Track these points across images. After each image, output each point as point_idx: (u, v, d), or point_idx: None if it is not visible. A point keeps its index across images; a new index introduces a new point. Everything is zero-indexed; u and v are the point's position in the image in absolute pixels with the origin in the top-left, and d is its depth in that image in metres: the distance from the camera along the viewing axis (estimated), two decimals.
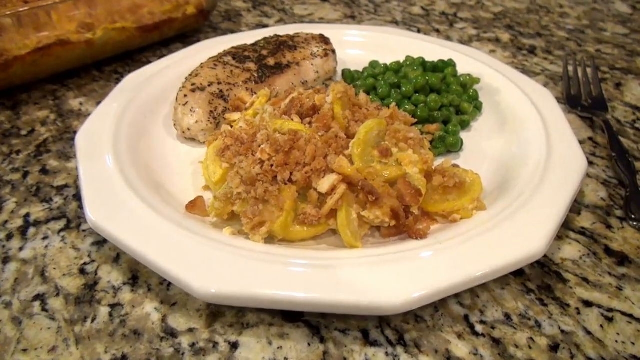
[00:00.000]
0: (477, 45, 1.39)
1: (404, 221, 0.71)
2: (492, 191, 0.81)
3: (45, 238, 0.80)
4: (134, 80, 1.03)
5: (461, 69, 1.08)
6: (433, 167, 0.79)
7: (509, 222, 0.70)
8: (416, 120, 0.87)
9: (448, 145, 0.89)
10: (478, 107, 0.99)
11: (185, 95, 0.93)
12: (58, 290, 0.72)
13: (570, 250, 0.77)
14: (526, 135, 0.89)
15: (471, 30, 1.47)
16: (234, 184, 0.73)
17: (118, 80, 1.22)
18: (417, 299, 0.60)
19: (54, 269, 0.75)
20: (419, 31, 1.46)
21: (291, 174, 0.73)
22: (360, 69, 1.12)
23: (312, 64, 1.03)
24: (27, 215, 0.85)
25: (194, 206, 0.76)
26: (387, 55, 1.15)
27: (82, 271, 0.75)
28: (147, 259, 0.66)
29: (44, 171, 0.94)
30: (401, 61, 1.08)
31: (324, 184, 0.71)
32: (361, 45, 1.21)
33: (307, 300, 0.60)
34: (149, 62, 1.30)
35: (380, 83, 0.98)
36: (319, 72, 1.03)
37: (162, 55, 1.32)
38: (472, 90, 1.01)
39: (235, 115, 0.90)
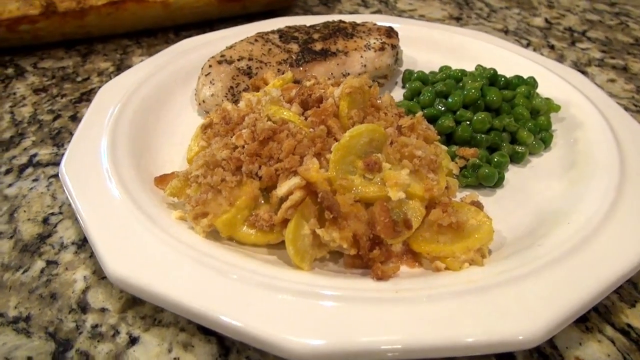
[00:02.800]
0: (595, 71, 1.14)
1: (366, 253, 0.57)
2: (512, 244, 0.63)
3: (35, 180, 0.80)
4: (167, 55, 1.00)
5: (545, 91, 0.88)
6: (451, 199, 0.63)
7: (503, 289, 0.53)
8: (437, 137, 0.71)
9: (480, 177, 0.71)
10: (545, 140, 0.79)
11: (210, 66, 0.87)
12: (14, 233, 0.71)
13: (596, 351, 0.56)
14: (592, 189, 0.68)
15: (595, 53, 1.21)
16: (195, 164, 0.65)
17: None
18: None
19: (24, 211, 0.74)
20: (528, 45, 1.24)
21: (260, 167, 0.63)
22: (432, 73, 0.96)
23: (361, 56, 0.91)
24: (34, 155, 0.86)
25: (162, 181, 0.70)
26: (470, 64, 0.97)
27: (45, 220, 0.73)
28: None
29: (73, 118, 0.95)
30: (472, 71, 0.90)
31: (283, 186, 0.60)
32: (443, 48, 1.05)
33: None
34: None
35: (427, 89, 0.83)
36: (366, 66, 0.91)
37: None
38: (543, 118, 0.80)
39: (250, 96, 0.82)
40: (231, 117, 0.70)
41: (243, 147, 0.65)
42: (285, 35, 0.95)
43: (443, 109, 0.79)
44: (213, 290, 0.53)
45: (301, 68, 0.88)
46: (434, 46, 1.05)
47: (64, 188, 0.68)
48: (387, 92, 0.76)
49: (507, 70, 0.91)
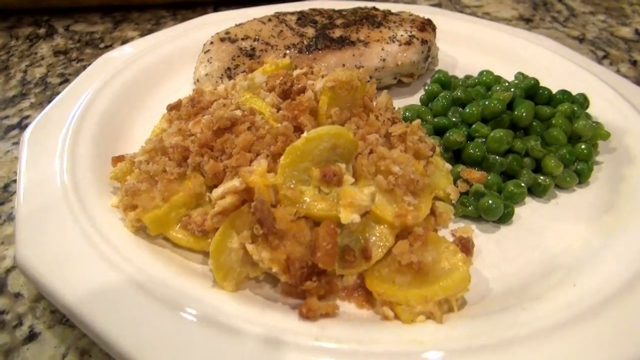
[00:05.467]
0: None
1: (297, 282, 0.47)
2: (496, 299, 0.50)
3: (15, 143, 0.77)
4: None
5: (600, 114, 0.72)
6: (430, 230, 0.51)
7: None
8: (430, 153, 0.58)
9: (481, 208, 0.58)
10: (581, 173, 0.63)
11: (212, 43, 0.80)
12: None
13: None
14: (622, 245, 0.53)
15: None
16: (142, 149, 0.58)
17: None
18: None
19: None
20: (604, 57, 1.05)
21: (210, 161, 0.54)
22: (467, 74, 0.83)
23: (382, 49, 0.79)
24: (26, 117, 0.83)
25: (118, 161, 0.63)
26: (518, 70, 0.82)
27: (5, 187, 0.69)
28: None
29: None
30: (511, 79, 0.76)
31: (219, 189, 0.51)
32: (490, 51, 0.90)
33: None
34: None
35: (444, 94, 0.69)
36: (386, 60, 0.78)
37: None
38: (584, 146, 0.65)
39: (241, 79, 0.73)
40: (201, 100, 0.62)
41: (198, 135, 0.56)
42: (305, 17, 0.85)
43: (457, 120, 0.66)
44: (107, 299, 0.45)
45: (311, 55, 0.78)
46: (480, 47, 0.91)
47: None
48: (385, 92, 0.64)
49: (559, 83, 0.75)
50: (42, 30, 1.10)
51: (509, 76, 0.82)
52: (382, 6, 0.98)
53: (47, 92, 0.89)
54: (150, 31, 1.10)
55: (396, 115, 0.61)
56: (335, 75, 0.57)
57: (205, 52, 0.79)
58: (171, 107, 0.63)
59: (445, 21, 0.94)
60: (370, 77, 0.77)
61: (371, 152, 0.55)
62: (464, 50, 0.92)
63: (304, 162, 0.50)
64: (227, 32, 0.81)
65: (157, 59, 0.84)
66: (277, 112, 0.59)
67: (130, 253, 0.50)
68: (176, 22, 1.15)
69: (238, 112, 0.57)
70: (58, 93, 0.87)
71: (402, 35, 0.81)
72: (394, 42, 0.80)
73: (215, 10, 1.20)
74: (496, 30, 0.94)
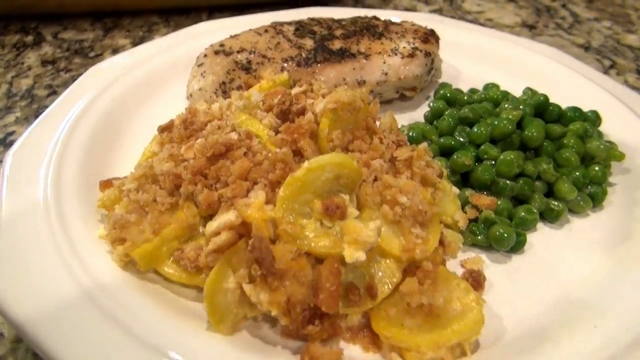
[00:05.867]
0: None
1: (299, 326, 0.43)
2: (511, 341, 0.47)
3: None
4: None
5: (612, 131, 0.69)
6: (438, 264, 0.48)
7: None
8: (438, 180, 0.55)
9: (492, 237, 0.55)
10: (595, 197, 0.60)
11: (205, 55, 0.76)
12: None
13: None
14: None
15: None
16: (131, 175, 0.54)
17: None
18: None
19: None
20: (611, 67, 1.02)
21: (204, 190, 0.51)
22: (473, 90, 0.79)
23: (384, 61, 0.76)
24: (11, 133, 0.79)
25: (107, 186, 0.59)
26: (524, 84, 0.79)
27: None
28: None
29: None
30: (520, 95, 0.73)
31: (214, 222, 0.47)
32: (494, 61, 0.87)
33: None
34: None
35: (450, 112, 0.66)
36: (388, 74, 0.75)
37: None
38: (598, 168, 0.62)
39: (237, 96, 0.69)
40: (194, 121, 0.58)
41: (191, 161, 0.53)
42: (303, 27, 0.82)
43: (464, 140, 0.63)
44: (89, 344, 0.42)
45: (310, 69, 0.75)
46: (484, 57, 0.87)
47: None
48: (390, 111, 0.61)
49: (567, 98, 0.72)
50: (29, 38, 1.06)
51: (514, 89, 0.79)
52: (382, 14, 0.94)
53: (33, 105, 0.86)
54: (142, 39, 1.06)
55: (401, 137, 0.58)
56: (336, 96, 0.54)
57: (198, 66, 0.75)
58: (162, 129, 0.60)
59: (447, 30, 0.91)
60: (373, 95, 0.74)
61: (376, 179, 0.52)
62: (467, 60, 0.88)
63: (305, 194, 0.47)
64: (221, 45, 0.77)
65: (149, 71, 0.80)
66: (276, 134, 0.56)
67: (117, 291, 0.47)
68: (169, 29, 1.11)
69: (234, 136, 0.54)
70: (45, 107, 0.83)
71: (404, 47, 0.78)
72: (396, 54, 0.77)
73: (210, 16, 1.16)
74: (500, 39, 0.90)
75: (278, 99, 0.59)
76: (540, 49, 0.89)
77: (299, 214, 0.47)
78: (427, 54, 0.78)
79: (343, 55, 0.77)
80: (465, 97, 0.73)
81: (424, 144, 0.56)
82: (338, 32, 0.81)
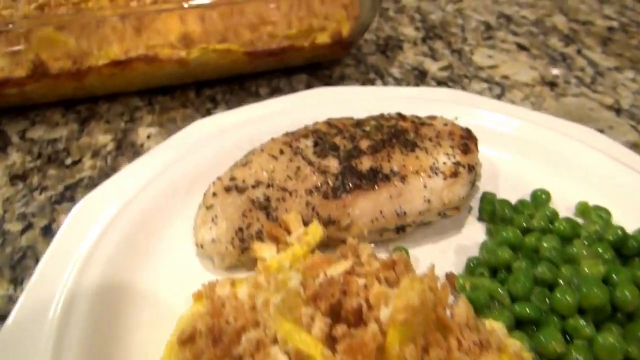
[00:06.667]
0: None
1: None
2: None
3: None
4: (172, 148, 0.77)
5: None
6: None
7: None
8: None
9: None
10: None
11: (215, 194, 0.64)
12: None
13: None
14: None
15: None
16: None
17: (208, 113, 0.98)
18: None
19: None
20: None
21: None
22: (521, 199, 0.70)
23: (425, 185, 0.65)
24: None
25: None
26: (573, 183, 0.70)
27: None
28: None
29: (46, 231, 0.74)
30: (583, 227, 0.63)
31: None
32: (537, 154, 0.77)
33: None
34: (257, 93, 1.04)
35: (520, 266, 0.56)
36: (431, 201, 0.64)
37: (277, 89, 1.05)
38: None
39: (265, 250, 0.58)
40: (223, 329, 0.46)
41: None
42: (322, 140, 0.70)
43: (544, 307, 0.52)
44: None
45: (339, 201, 0.63)
46: (521, 147, 0.77)
47: None
48: (464, 299, 0.50)
49: (634, 209, 0.63)
50: None
51: (562, 190, 0.70)
52: (396, 94, 0.84)
53: (6, 248, 0.72)
54: (124, 133, 0.93)
55: (483, 335, 0.47)
56: (405, 301, 0.43)
57: (207, 208, 0.63)
58: (183, 341, 0.48)
59: (474, 114, 0.81)
60: (439, 214, 0.63)
61: None
62: (502, 152, 0.78)
63: None
64: (232, 178, 0.65)
65: (150, 200, 0.68)
66: (329, 340, 0.45)
67: None
68: (153, 114, 0.97)
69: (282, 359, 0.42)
70: (21, 250, 0.71)
71: (444, 164, 0.67)
72: (436, 174, 0.66)
73: (197, 94, 1.03)
74: (534, 124, 0.80)
75: (320, 283, 0.48)
76: (584, 135, 0.79)
77: None
78: (471, 168, 0.68)
79: (375, 178, 0.65)
80: (524, 222, 0.63)
81: (517, 345, 0.46)
82: (364, 144, 0.69)
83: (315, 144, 0.70)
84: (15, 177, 0.84)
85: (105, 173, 0.84)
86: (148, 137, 0.92)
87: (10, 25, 0.83)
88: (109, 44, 0.90)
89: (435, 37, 1.24)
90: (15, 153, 0.89)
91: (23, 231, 0.74)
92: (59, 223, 0.75)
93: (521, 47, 1.20)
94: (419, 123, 0.74)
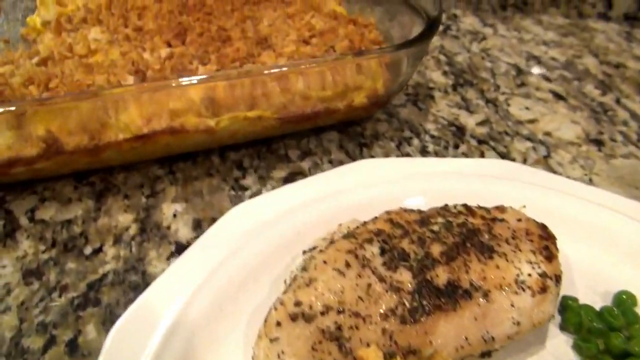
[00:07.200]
0: None
1: None
2: None
3: None
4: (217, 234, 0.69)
5: None
6: None
7: None
8: None
9: None
10: None
11: (279, 324, 0.56)
12: None
13: None
14: None
15: None
16: None
17: (237, 183, 0.89)
18: None
19: None
20: None
21: None
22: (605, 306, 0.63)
23: (512, 304, 0.58)
24: None
25: None
26: None
27: None
28: None
29: (72, 348, 0.65)
30: None
31: None
32: (614, 242, 0.71)
33: None
34: (287, 157, 0.95)
35: None
36: (520, 323, 0.57)
37: (307, 151, 0.97)
38: None
39: None
40: None
41: None
42: (388, 245, 0.62)
43: None
44: None
45: (419, 326, 0.56)
46: (600, 239, 0.71)
47: None
48: None
49: None
50: None
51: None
52: (451, 166, 0.77)
53: None
54: (148, 210, 0.84)
55: None
56: None
57: (272, 341, 0.55)
58: None
59: (541, 197, 0.74)
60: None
61: None
62: (574, 242, 0.72)
63: None
64: (297, 303, 0.57)
65: (197, 319, 0.60)
66: None
67: None
68: (176, 186, 0.89)
69: None
70: None
71: (529, 275, 0.60)
72: (523, 289, 0.59)
73: (222, 158, 0.94)
74: (609, 212, 0.73)
75: None
76: None
77: None
78: (558, 280, 0.61)
79: (455, 294, 0.58)
80: (622, 344, 0.57)
81: None
82: (436, 250, 0.62)
83: (382, 252, 0.62)
84: (30, 274, 0.74)
85: (132, 266, 0.75)
86: (174, 216, 0.83)
87: (12, 107, 0.73)
88: (127, 110, 0.81)
89: (466, 83, 1.17)
90: (25, 240, 0.79)
91: (45, 348, 0.65)
92: (86, 336, 0.66)
93: (557, 96, 1.14)
94: (489, 219, 0.67)
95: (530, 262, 0.61)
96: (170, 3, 1.08)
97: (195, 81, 0.77)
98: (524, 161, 0.96)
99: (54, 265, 0.75)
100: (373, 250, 0.62)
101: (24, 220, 0.82)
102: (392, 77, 0.92)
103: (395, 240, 0.63)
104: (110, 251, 0.78)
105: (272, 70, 0.81)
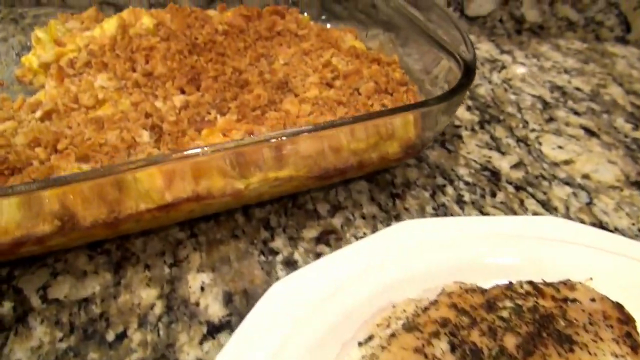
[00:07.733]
0: None
1: None
2: None
3: None
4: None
5: None
6: None
7: None
8: None
9: None
10: None
11: None
12: None
13: None
14: None
15: None
16: None
17: (266, 247, 0.83)
18: None
19: None
20: None
21: None
22: None
23: None
24: None
25: None
26: None
27: None
28: None
29: None
30: None
31: None
32: None
33: None
34: (316, 212, 0.89)
35: None
36: None
37: (337, 204, 0.90)
38: None
39: None
40: None
41: None
42: (457, 338, 0.56)
43: None
44: None
45: None
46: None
47: None
48: None
49: None
50: (6, 306, 0.74)
51: None
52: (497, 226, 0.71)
53: None
54: (172, 283, 0.77)
55: None
56: None
57: None
58: None
59: (606, 265, 0.69)
60: None
61: None
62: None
63: None
64: None
65: None
66: None
67: None
68: (200, 252, 0.82)
69: None
70: None
71: None
72: None
73: (246, 216, 0.88)
74: None
75: None
76: None
77: None
78: None
79: None
80: None
81: None
82: (510, 343, 0.56)
83: (453, 348, 0.56)
84: None
85: (162, 354, 0.68)
86: (202, 289, 0.76)
87: (23, 189, 0.65)
88: (147, 176, 0.74)
89: (493, 119, 1.12)
90: (39, 326, 0.71)
91: None
92: None
93: (589, 132, 1.09)
94: (561, 300, 0.61)
95: (616, 356, 0.56)
96: (179, 42, 1.01)
97: (227, 147, 0.70)
98: (567, 209, 0.90)
99: (74, 356, 0.68)
100: (442, 346, 0.56)
101: (35, 301, 0.74)
102: (428, 126, 0.86)
103: (463, 332, 0.57)
104: (135, 336, 0.70)
105: (307, 129, 0.74)
